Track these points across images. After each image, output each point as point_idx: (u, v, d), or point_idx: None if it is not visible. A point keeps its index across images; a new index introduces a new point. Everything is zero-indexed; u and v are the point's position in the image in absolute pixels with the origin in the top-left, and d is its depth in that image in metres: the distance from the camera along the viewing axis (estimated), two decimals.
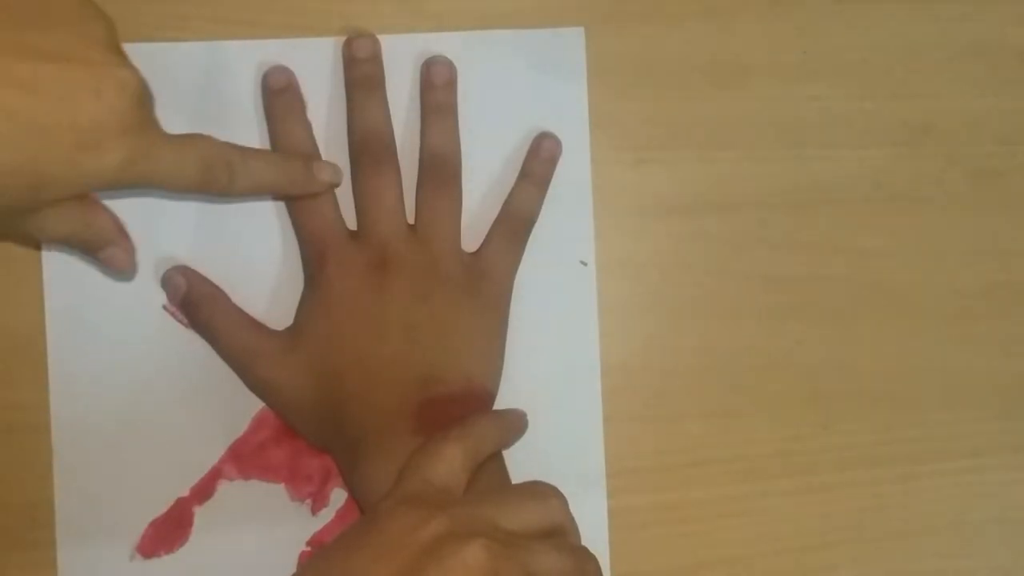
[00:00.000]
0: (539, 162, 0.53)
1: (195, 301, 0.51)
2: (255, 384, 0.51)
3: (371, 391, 0.48)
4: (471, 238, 0.52)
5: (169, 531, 0.51)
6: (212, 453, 0.52)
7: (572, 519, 0.45)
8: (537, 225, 0.53)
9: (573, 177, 0.53)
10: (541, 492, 0.44)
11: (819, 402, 0.54)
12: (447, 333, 0.49)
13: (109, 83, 0.40)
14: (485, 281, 0.51)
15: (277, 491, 0.52)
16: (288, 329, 0.51)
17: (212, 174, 0.44)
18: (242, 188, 0.46)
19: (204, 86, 0.52)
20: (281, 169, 0.49)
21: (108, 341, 0.51)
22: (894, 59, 0.54)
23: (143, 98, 0.41)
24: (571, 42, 0.53)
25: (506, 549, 0.40)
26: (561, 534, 0.44)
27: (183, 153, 0.43)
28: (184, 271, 0.51)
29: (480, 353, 0.50)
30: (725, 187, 0.54)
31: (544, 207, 0.53)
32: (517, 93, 0.53)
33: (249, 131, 0.52)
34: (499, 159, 0.53)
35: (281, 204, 0.52)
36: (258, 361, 0.50)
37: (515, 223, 0.52)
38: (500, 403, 0.51)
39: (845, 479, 0.54)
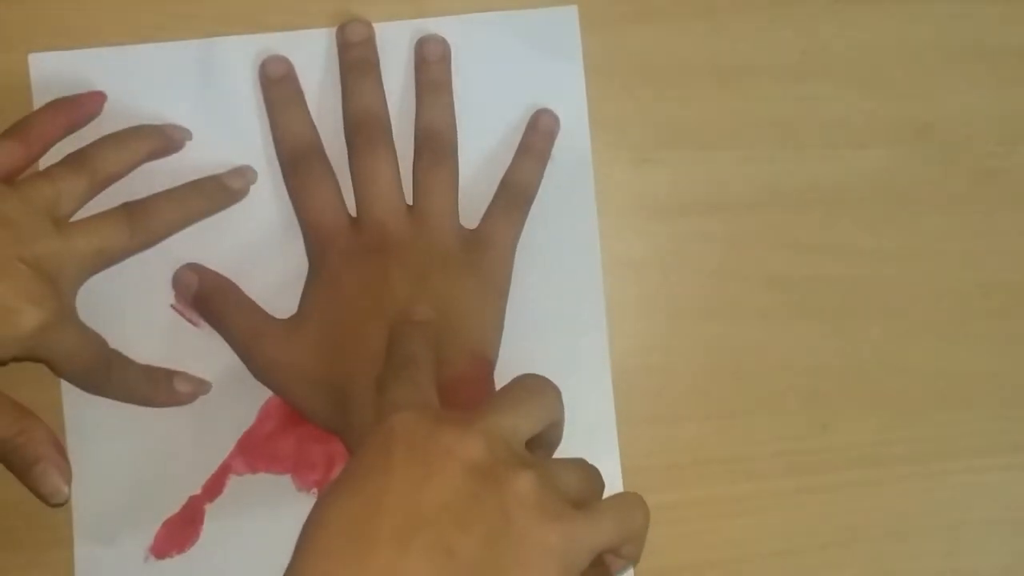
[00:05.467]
0: (537, 136, 0.53)
1: (207, 292, 0.51)
2: (262, 367, 0.51)
3: (375, 372, 0.47)
4: (472, 219, 0.52)
5: (181, 530, 0.51)
6: (223, 450, 0.52)
7: (563, 410, 0.44)
8: (537, 226, 0.53)
9: (575, 165, 0.53)
10: (539, 388, 0.43)
11: (819, 402, 0.54)
12: (448, 311, 0.49)
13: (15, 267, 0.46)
14: (485, 253, 0.51)
15: (283, 482, 0.52)
16: (293, 315, 0.51)
17: (97, 374, 0.50)
18: (111, 393, 0.51)
19: (201, 83, 0.52)
20: (148, 383, 0.51)
21: (119, 343, 0.51)
22: (894, 59, 0.54)
23: (54, 279, 0.47)
24: (565, 20, 0.53)
25: (544, 476, 0.39)
26: (558, 427, 0.44)
27: (82, 342, 0.49)
28: (194, 267, 0.52)
29: (481, 325, 0.50)
30: (725, 187, 0.54)
31: (543, 206, 0.53)
32: (513, 74, 0.53)
33: (248, 125, 0.52)
34: (498, 141, 0.53)
35: (286, 201, 0.52)
36: (265, 342, 0.50)
37: (514, 195, 0.52)
38: None
39: (845, 479, 0.54)
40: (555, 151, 0.53)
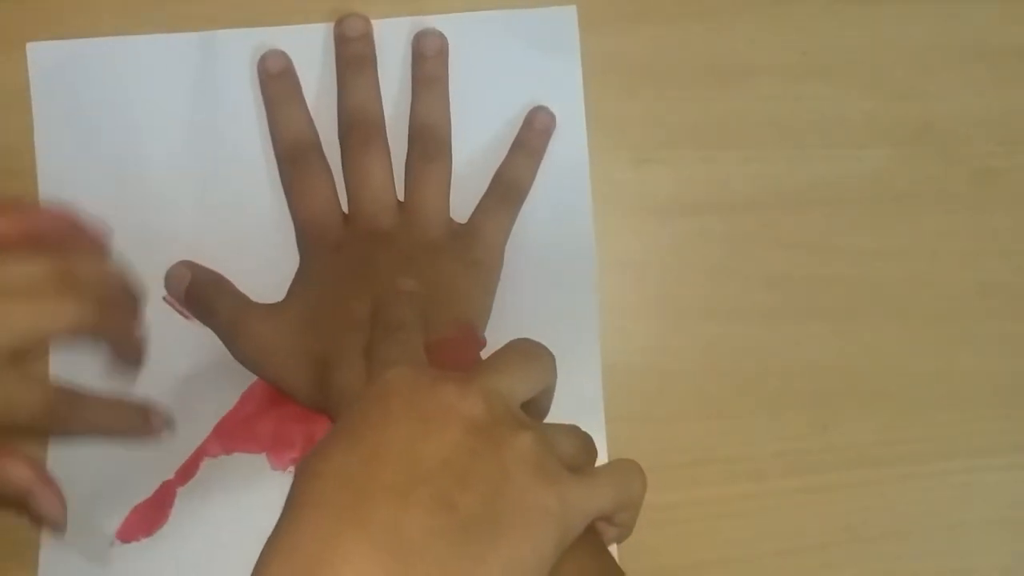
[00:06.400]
0: (533, 133, 0.53)
1: (199, 284, 0.51)
2: (245, 346, 0.50)
3: (356, 344, 0.47)
4: (466, 216, 0.52)
5: (151, 514, 0.51)
6: (200, 438, 0.52)
7: (556, 376, 0.43)
8: (532, 225, 0.53)
9: (571, 165, 0.53)
10: (536, 353, 0.43)
11: (819, 402, 0.54)
12: (434, 288, 0.49)
13: None
14: (475, 244, 0.51)
15: (258, 462, 0.51)
16: (280, 300, 0.51)
17: (53, 419, 0.44)
18: (76, 430, 0.45)
19: (200, 74, 0.52)
20: (117, 416, 0.47)
21: None
22: (894, 59, 0.54)
23: None
24: (564, 20, 0.53)
25: (542, 439, 0.38)
26: (550, 393, 0.44)
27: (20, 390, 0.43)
28: (188, 263, 0.52)
29: (467, 302, 0.50)
30: (725, 187, 0.54)
31: (542, 204, 0.53)
32: (511, 73, 0.53)
33: (246, 117, 0.52)
34: (494, 139, 0.53)
35: (281, 197, 0.52)
36: (249, 321, 0.50)
37: (506, 189, 0.53)
38: None
39: (845, 479, 0.54)
40: (551, 150, 0.53)
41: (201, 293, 0.51)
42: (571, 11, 0.53)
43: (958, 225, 0.55)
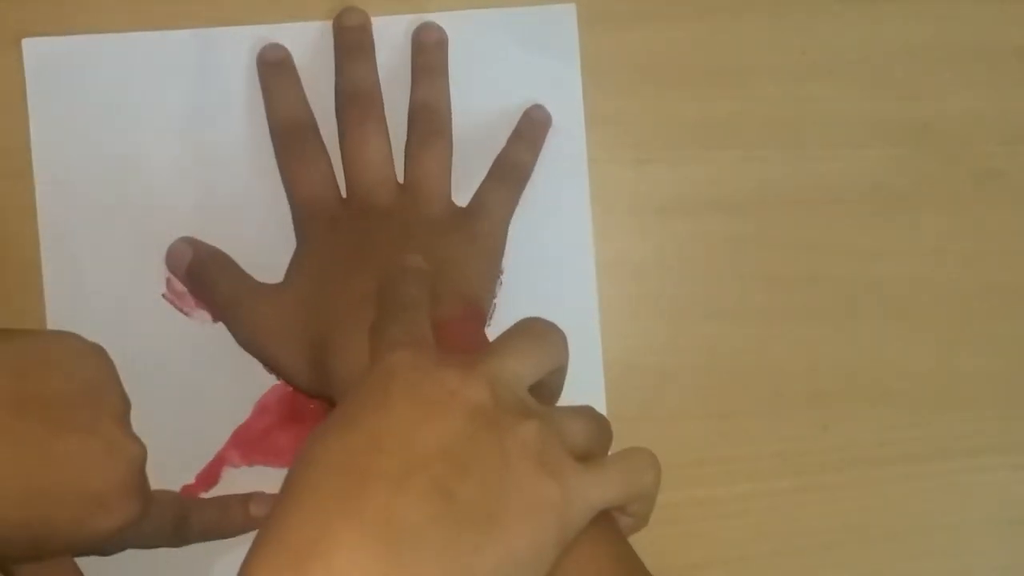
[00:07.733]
0: (531, 126, 0.53)
1: (201, 260, 0.51)
2: (248, 328, 0.50)
3: (358, 323, 0.45)
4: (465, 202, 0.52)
5: None
6: (217, 442, 0.51)
7: (568, 355, 0.43)
8: (531, 224, 0.53)
9: (570, 163, 0.53)
10: (545, 332, 0.42)
11: (819, 402, 0.54)
12: (437, 265, 0.47)
13: (121, 456, 0.41)
14: (477, 219, 0.51)
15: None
16: (280, 281, 0.50)
17: (181, 529, 0.48)
18: (194, 538, 0.49)
19: (198, 72, 0.52)
20: (224, 515, 0.50)
21: (109, 336, 0.50)
22: (894, 59, 0.54)
23: (144, 467, 0.42)
24: (563, 18, 0.53)
25: (548, 426, 0.38)
26: (561, 373, 0.43)
27: (162, 512, 0.46)
28: (189, 240, 0.51)
29: (472, 278, 0.49)
30: (725, 187, 0.54)
31: (541, 204, 0.53)
32: (510, 71, 0.53)
33: (244, 116, 0.52)
34: (493, 137, 0.53)
35: (279, 195, 0.52)
36: (252, 302, 0.49)
37: (507, 170, 0.52)
38: None
39: (845, 479, 0.54)
40: (550, 149, 0.53)
41: (202, 270, 0.51)
42: (571, 9, 0.53)
43: (958, 225, 0.55)
